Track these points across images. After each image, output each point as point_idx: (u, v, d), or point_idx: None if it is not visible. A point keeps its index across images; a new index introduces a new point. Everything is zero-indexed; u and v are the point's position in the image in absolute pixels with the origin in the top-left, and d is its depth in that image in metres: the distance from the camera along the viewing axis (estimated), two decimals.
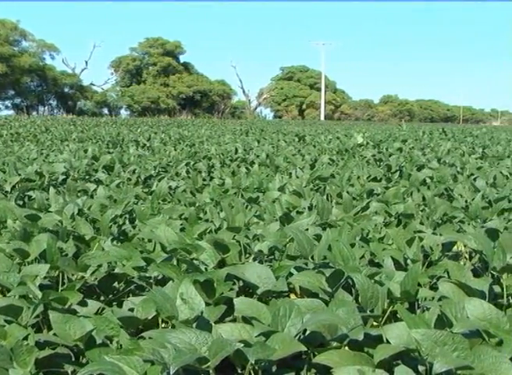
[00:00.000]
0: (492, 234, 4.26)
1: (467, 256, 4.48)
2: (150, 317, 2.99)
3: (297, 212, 5.66)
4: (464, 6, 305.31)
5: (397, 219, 5.46)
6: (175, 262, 3.71)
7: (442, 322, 2.72)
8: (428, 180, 8.39)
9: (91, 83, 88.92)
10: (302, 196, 6.53)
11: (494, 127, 52.53)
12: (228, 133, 26.76)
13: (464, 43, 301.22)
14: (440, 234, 4.52)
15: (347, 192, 6.57)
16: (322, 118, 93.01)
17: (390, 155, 12.87)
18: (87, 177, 8.96)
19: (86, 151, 12.50)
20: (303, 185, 7.52)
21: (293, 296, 3.61)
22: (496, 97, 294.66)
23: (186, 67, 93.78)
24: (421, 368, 2.47)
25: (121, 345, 2.82)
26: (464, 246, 4.43)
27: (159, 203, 6.35)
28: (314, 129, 34.21)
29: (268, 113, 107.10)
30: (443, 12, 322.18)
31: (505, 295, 3.31)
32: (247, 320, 2.83)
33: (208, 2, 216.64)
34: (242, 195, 6.97)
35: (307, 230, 4.50)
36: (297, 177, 8.72)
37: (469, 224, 5.21)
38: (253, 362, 2.37)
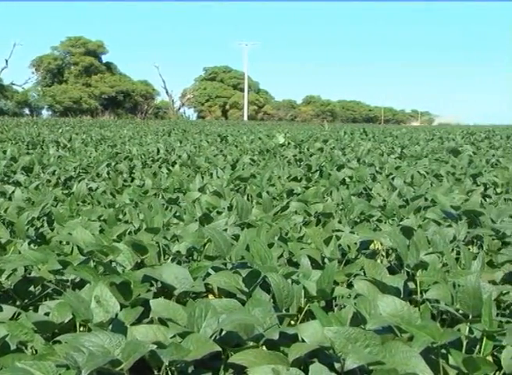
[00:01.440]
0: (407, 232, 4.36)
1: (384, 254, 4.56)
2: (66, 321, 2.94)
3: (217, 213, 5.67)
4: (381, 7, 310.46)
5: (316, 218, 5.52)
6: (92, 265, 3.67)
7: (358, 319, 2.77)
8: (348, 180, 8.51)
9: (12, 83, 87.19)
10: (222, 196, 6.53)
11: (414, 128, 53.35)
12: (150, 133, 26.60)
13: (384, 44, 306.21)
14: (357, 233, 4.59)
15: (267, 192, 6.60)
16: (246, 118, 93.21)
17: (311, 155, 12.99)
18: (5, 179, 8.77)
19: (5, 152, 12.24)
20: (223, 185, 7.52)
21: (211, 296, 3.61)
22: (417, 98, 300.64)
23: (109, 67, 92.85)
24: (337, 365, 2.50)
25: (36, 350, 2.78)
26: (381, 244, 4.51)
27: (78, 205, 6.27)
28: (237, 129, 34.25)
29: (191, 114, 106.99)
30: (363, 12, 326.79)
31: (419, 291, 3.38)
32: (163, 322, 2.83)
33: (131, 2, 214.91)
34: (162, 196, 6.94)
35: (225, 230, 4.52)
36: (218, 177, 8.73)
37: (385, 222, 5.31)
38: (167, 364, 2.37)
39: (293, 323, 3.17)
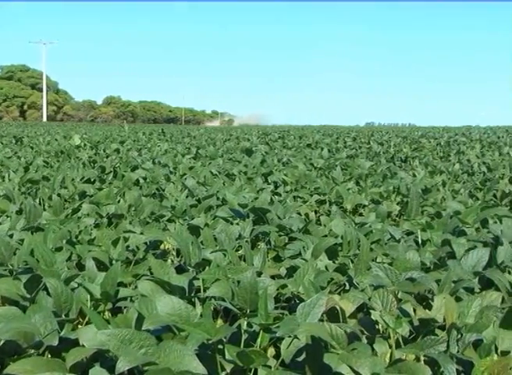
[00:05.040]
0: (195, 231, 4.43)
1: (175, 253, 4.61)
2: None
3: (7, 217, 5.51)
4: (178, 6, 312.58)
5: (108, 219, 5.49)
6: None
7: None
8: (142, 181, 8.52)
9: None
10: (12, 200, 6.35)
11: (213, 128, 54.07)
12: None
13: (182, 44, 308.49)
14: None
15: (59, 195, 6.49)
16: (45, 119, 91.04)
17: (107, 157, 12.90)
18: None
19: None
20: (14, 189, 7.32)
21: None
22: (218, 99, 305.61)
23: None
24: None
25: None
26: (170, 244, 4.57)
27: None
28: (34, 130, 33.40)
29: None
30: (161, 12, 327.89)
31: (202, 289, 3.43)
32: None
33: None
34: None
35: (11, 235, 4.41)
36: (10, 180, 8.48)
37: (176, 222, 5.36)
38: None
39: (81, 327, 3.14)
